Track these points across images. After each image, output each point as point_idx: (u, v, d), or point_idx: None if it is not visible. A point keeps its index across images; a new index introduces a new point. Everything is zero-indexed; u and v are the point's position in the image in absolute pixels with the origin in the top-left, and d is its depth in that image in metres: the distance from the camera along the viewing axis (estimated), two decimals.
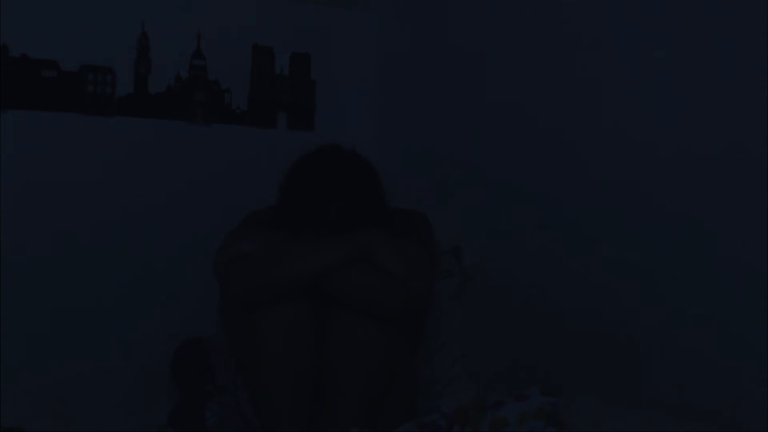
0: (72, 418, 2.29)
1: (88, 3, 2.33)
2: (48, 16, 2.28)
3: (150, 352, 2.43)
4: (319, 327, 2.09)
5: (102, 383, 2.39)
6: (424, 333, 2.30)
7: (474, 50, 2.51)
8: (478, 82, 2.50)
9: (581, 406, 1.89)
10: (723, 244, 1.94)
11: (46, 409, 2.29)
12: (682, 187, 2.01)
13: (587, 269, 2.19)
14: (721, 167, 1.94)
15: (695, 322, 1.98)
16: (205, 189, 2.53)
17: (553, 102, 2.29)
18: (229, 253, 2.12)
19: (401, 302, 2.08)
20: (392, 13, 2.77)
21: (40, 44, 2.28)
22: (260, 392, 2.10)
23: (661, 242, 2.05)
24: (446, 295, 2.35)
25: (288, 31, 2.66)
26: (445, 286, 2.35)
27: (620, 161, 2.14)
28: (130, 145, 2.43)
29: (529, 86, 2.36)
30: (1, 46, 2.23)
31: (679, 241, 2.01)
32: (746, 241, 1.89)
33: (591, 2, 2.21)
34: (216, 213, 2.46)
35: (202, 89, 2.52)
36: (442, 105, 2.61)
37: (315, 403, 2.09)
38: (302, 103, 2.70)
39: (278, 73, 2.65)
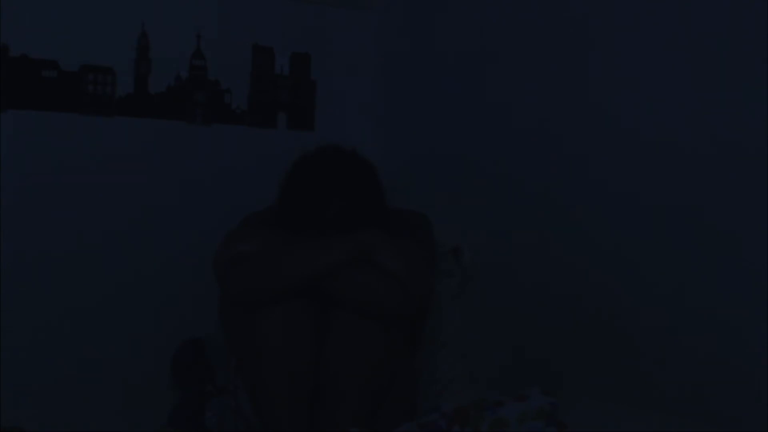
0: (72, 418, 2.30)
1: (88, 3, 2.34)
2: (48, 16, 2.28)
3: (150, 352, 2.43)
4: (318, 327, 2.09)
5: (102, 383, 2.39)
6: (424, 333, 2.30)
7: (474, 50, 2.51)
8: (478, 82, 2.50)
9: (581, 406, 1.89)
10: (723, 243, 1.94)
11: (46, 409, 2.29)
12: (683, 186, 2.01)
13: (587, 269, 2.19)
14: (723, 166, 1.94)
15: (696, 322, 1.98)
16: (205, 189, 2.53)
17: (554, 101, 2.29)
18: (228, 253, 2.12)
19: (401, 303, 2.07)
20: (392, 13, 2.77)
21: (40, 44, 2.28)
22: (260, 392, 2.09)
23: (662, 242, 2.05)
24: (446, 295, 2.35)
25: (288, 31, 2.66)
26: (445, 286, 2.35)
27: (621, 161, 2.14)
28: (130, 145, 2.43)
29: (529, 86, 2.35)
30: (1, 46, 2.23)
31: (680, 241, 2.01)
32: (747, 241, 1.89)
33: (592, 2, 2.20)
34: (216, 213, 2.46)
35: (202, 89, 2.52)
36: (442, 105, 2.61)
37: (315, 404, 2.08)
38: (302, 103, 2.70)
39: (278, 73, 2.65)
